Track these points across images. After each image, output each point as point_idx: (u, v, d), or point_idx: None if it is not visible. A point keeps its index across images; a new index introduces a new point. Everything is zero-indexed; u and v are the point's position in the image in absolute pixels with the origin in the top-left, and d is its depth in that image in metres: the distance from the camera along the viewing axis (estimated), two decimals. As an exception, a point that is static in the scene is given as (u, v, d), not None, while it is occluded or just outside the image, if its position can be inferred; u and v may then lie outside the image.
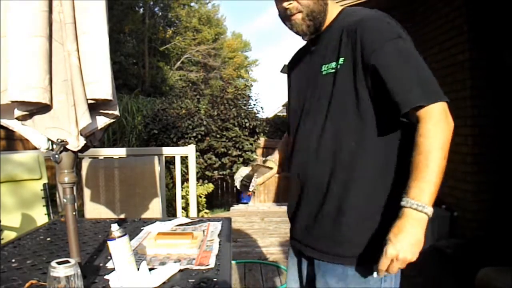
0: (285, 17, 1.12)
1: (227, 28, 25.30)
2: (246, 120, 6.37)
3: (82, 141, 1.12)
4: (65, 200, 1.13)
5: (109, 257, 1.15)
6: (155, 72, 19.14)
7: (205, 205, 5.76)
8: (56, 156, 1.09)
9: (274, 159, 1.44)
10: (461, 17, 3.53)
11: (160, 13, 21.73)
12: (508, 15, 3.25)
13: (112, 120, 1.23)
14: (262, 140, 7.44)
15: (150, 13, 20.82)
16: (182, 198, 3.97)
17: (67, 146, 1.10)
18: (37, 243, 1.50)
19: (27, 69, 1.01)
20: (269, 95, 45.72)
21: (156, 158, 2.55)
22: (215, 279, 1.07)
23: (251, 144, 6.52)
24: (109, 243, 1.02)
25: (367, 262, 0.99)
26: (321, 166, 1.09)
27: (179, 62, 20.61)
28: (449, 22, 3.70)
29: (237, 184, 1.34)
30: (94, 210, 2.43)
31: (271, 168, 1.39)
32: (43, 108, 1.08)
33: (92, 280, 1.09)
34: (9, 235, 2.12)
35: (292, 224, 1.24)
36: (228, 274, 1.12)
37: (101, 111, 1.18)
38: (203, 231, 1.56)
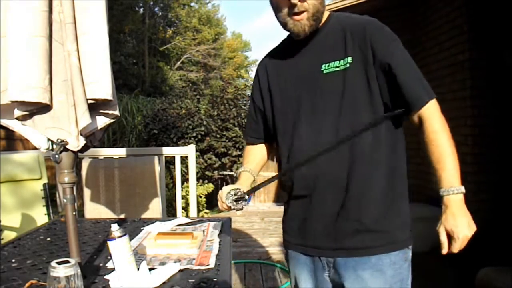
0: (288, 14, 1.09)
1: (227, 28, 25.32)
2: (246, 120, 6.36)
3: (82, 141, 1.12)
4: (65, 200, 1.13)
5: (109, 257, 1.15)
6: (155, 72, 19.13)
7: (205, 205, 5.77)
8: (56, 156, 1.09)
9: (248, 169, 1.33)
10: (461, 17, 3.53)
11: (160, 13, 21.73)
12: (508, 15, 3.25)
13: (112, 120, 1.23)
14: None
15: (150, 13, 20.81)
16: (182, 198, 3.97)
17: (67, 146, 1.10)
18: (37, 243, 1.50)
19: (27, 69, 1.01)
20: (269, 95, 45.55)
21: (156, 158, 2.55)
22: (215, 279, 1.07)
23: (251, 144, 6.51)
24: (109, 243, 1.02)
25: (399, 247, 1.09)
26: (338, 162, 1.08)
27: (179, 62, 20.60)
28: (450, 22, 3.70)
29: (230, 203, 1.19)
30: (94, 210, 2.43)
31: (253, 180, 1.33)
32: (43, 108, 1.08)
33: (92, 280, 1.09)
34: (9, 235, 2.12)
35: (300, 231, 1.19)
36: (228, 274, 1.12)
37: (101, 111, 1.18)
38: (203, 231, 1.56)
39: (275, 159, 8.20)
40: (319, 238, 1.14)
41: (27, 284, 1.04)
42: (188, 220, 1.78)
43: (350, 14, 1.18)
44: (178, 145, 5.71)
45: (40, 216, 2.49)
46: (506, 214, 3.22)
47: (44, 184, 2.58)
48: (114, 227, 1.02)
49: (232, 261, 1.54)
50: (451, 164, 1.05)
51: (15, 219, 2.39)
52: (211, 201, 6.45)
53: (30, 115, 1.09)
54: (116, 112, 1.21)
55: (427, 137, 1.07)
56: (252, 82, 1.41)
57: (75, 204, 1.16)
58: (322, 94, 1.11)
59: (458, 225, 1.02)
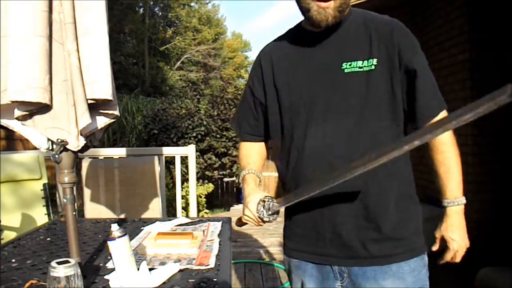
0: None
1: (227, 28, 25.33)
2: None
3: (82, 141, 1.12)
4: (65, 200, 1.13)
5: (109, 257, 1.15)
6: (155, 72, 19.14)
7: (205, 205, 5.76)
8: (56, 156, 1.09)
9: (253, 171, 1.19)
10: (461, 17, 3.52)
11: (160, 13, 21.74)
12: (508, 15, 3.25)
13: (112, 120, 1.23)
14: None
15: (150, 13, 20.82)
16: (182, 198, 3.96)
17: (67, 146, 1.10)
18: (37, 243, 1.50)
19: (27, 69, 1.01)
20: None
21: (156, 158, 2.55)
22: (215, 279, 1.07)
23: (251, 144, 6.51)
24: (109, 243, 1.02)
25: (418, 253, 1.07)
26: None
27: (179, 62, 20.61)
28: (450, 22, 3.70)
29: (267, 218, 1.05)
30: (94, 210, 2.42)
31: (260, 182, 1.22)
32: (43, 108, 1.08)
33: (92, 280, 1.09)
34: (9, 235, 2.12)
35: (308, 239, 1.12)
36: (228, 274, 1.11)
37: (101, 111, 1.18)
38: (203, 231, 1.56)
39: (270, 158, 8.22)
40: (332, 247, 1.07)
41: (27, 284, 1.04)
42: (188, 220, 1.78)
43: (370, 12, 1.10)
44: (178, 145, 5.71)
45: (40, 216, 2.49)
46: (506, 214, 3.22)
47: (44, 184, 2.58)
48: (114, 227, 1.02)
49: (232, 261, 1.53)
50: (458, 176, 1.06)
51: (15, 219, 2.39)
52: (211, 201, 6.45)
53: (30, 115, 1.09)
54: (116, 112, 1.21)
55: (436, 147, 1.06)
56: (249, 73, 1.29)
57: (75, 204, 1.16)
58: (341, 94, 1.03)
59: (455, 237, 1.08)
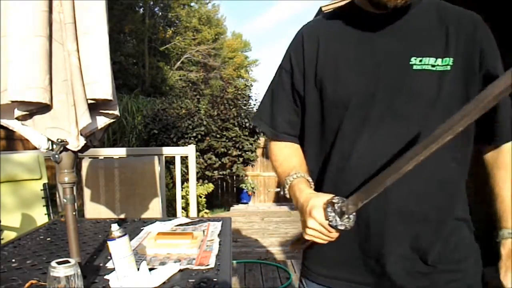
0: None
1: (227, 28, 25.31)
2: (246, 120, 6.37)
3: (82, 141, 1.12)
4: (65, 200, 1.13)
5: (109, 257, 1.15)
6: (155, 72, 19.14)
7: (205, 205, 5.76)
8: (56, 156, 1.09)
9: (302, 174, 0.94)
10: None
11: (160, 13, 21.74)
12: (508, 15, 3.25)
13: (112, 120, 1.23)
14: (262, 140, 7.45)
15: (150, 13, 20.82)
16: (182, 198, 3.97)
17: (67, 146, 1.10)
18: (37, 243, 1.50)
19: (27, 69, 1.01)
20: (269, 95, 45.62)
21: (156, 158, 2.55)
22: (215, 279, 1.07)
23: (251, 144, 6.53)
24: (109, 243, 1.02)
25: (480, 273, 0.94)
26: (415, 190, 0.85)
27: (179, 62, 20.61)
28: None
29: (341, 224, 0.79)
30: (94, 210, 2.42)
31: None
32: (43, 108, 1.08)
33: (92, 280, 1.09)
34: (9, 235, 2.12)
35: (338, 263, 0.94)
36: (228, 274, 1.12)
37: (101, 111, 1.18)
38: (203, 231, 1.56)
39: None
40: (373, 276, 0.90)
41: (27, 284, 1.04)
42: (188, 220, 1.78)
43: (445, 2, 0.92)
44: (178, 145, 5.71)
45: (40, 216, 2.49)
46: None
47: (44, 184, 2.58)
48: (114, 227, 1.02)
49: (233, 261, 1.53)
50: None
51: (15, 219, 2.39)
52: (211, 201, 6.45)
53: (30, 115, 1.09)
54: (116, 112, 1.21)
55: (500, 171, 0.90)
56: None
57: (75, 204, 1.16)
58: (405, 95, 0.85)
59: None
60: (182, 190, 3.94)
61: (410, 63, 0.84)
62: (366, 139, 0.86)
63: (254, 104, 6.98)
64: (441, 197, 0.86)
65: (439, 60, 0.84)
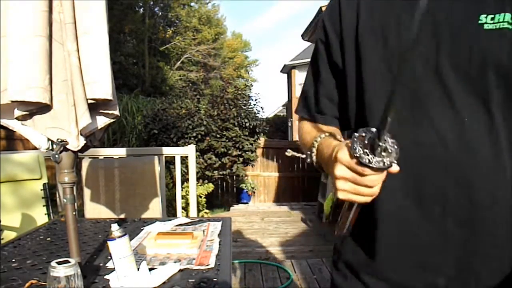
0: None
1: (227, 28, 25.35)
2: (246, 120, 6.37)
3: (82, 141, 1.12)
4: (65, 200, 1.13)
5: (109, 257, 1.15)
6: (155, 72, 19.15)
7: (205, 205, 5.76)
8: (56, 156, 1.09)
9: (329, 135, 0.76)
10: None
11: (160, 13, 21.78)
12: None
13: (112, 120, 1.23)
14: (262, 140, 7.45)
15: (150, 13, 20.85)
16: (182, 198, 3.97)
17: (67, 146, 1.10)
18: (37, 243, 1.50)
19: (27, 69, 1.02)
20: (269, 95, 45.87)
21: (156, 158, 2.55)
22: (215, 279, 1.07)
23: (251, 144, 6.53)
24: (109, 243, 1.02)
25: None
26: (502, 178, 0.65)
27: (179, 62, 20.62)
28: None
29: (376, 161, 0.56)
30: (94, 210, 2.43)
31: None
32: (43, 108, 1.08)
33: (92, 280, 1.09)
34: (9, 235, 2.12)
35: (400, 262, 0.73)
36: (228, 274, 1.12)
37: (101, 111, 1.19)
38: (203, 231, 1.56)
39: (275, 159, 8.23)
40: (445, 280, 0.71)
41: (27, 284, 1.04)
42: (188, 220, 1.78)
43: None
44: (178, 145, 5.71)
45: (40, 216, 2.49)
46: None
47: (44, 184, 2.58)
48: (114, 227, 1.02)
49: (233, 261, 1.53)
50: None
51: (15, 219, 2.39)
52: (211, 201, 6.45)
53: (30, 115, 1.09)
54: (116, 112, 1.21)
55: None
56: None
57: (75, 204, 1.16)
58: (477, 64, 0.66)
59: None
60: (182, 190, 3.94)
61: (480, 21, 0.66)
62: (432, 124, 0.68)
63: (254, 104, 6.99)
64: None
65: None
